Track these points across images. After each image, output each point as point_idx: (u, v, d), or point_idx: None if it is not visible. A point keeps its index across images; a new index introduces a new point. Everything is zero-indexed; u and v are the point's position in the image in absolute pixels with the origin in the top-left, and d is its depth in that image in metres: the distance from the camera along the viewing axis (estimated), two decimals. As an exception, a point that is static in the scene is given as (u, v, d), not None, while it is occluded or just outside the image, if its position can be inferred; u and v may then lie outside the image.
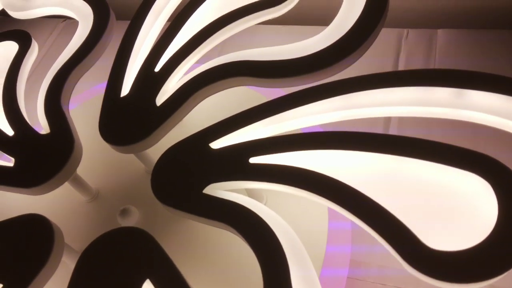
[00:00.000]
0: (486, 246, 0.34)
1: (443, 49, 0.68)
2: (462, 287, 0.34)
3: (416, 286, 0.52)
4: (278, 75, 0.51)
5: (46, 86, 0.60)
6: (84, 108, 0.74)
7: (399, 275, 0.53)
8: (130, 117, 0.54)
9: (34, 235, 0.46)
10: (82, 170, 0.56)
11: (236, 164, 0.46)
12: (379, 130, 0.60)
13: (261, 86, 0.53)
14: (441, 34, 0.69)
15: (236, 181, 0.45)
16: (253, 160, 0.46)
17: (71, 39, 0.86)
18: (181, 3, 0.65)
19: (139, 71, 0.58)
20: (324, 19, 0.79)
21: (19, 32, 0.70)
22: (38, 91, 0.65)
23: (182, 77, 0.57)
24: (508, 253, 0.34)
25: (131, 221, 0.57)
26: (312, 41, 0.53)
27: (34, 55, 0.68)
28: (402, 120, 0.60)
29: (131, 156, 0.58)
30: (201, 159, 0.47)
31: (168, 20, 0.63)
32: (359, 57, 0.51)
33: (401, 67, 0.67)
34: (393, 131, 0.59)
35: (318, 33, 0.77)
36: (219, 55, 0.57)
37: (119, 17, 0.70)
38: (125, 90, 0.57)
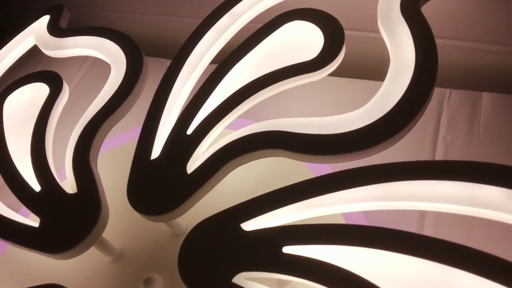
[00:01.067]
0: None
1: (488, 114, 0.64)
2: None
3: None
4: (316, 152, 0.49)
5: (75, 139, 0.59)
6: (109, 157, 0.72)
7: None
8: (160, 184, 0.52)
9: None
10: (106, 228, 0.55)
11: (269, 253, 0.43)
12: (413, 224, 0.57)
13: (297, 160, 0.51)
14: (486, 98, 0.66)
15: (267, 272, 0.43)
16: (287, 249, 0.43)
17: (99, 76, 0.85)
18: (215, 58, 0.63)
19: (170, 132, 0.56)
20: (361, 72, 0.76)
21: (50, 74, 0.69)
22: (62, 131, 0.64)
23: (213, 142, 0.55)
24: None
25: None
26: (353, 116, 0.50)
27: (64, 100, 0.67)
28: (439, 216, 0.56)
29: (157, 217, 0.56)
30: (232, 243, 0.45)
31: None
32: (405, 135, 0.48)
33: (442, 131, 0.64)
34: (428, 227, 0.56)
35: (353, 87, 0.75)
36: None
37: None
38: (156, 151, 0.55)
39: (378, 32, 0.57)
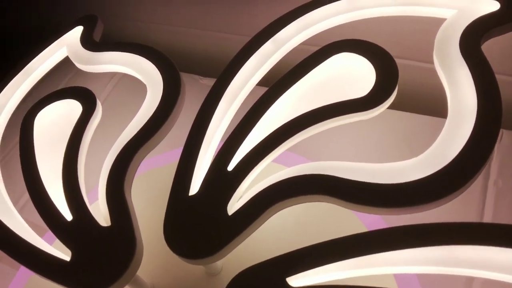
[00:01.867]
0: None
1: (543, 158, 0.60)
2: None
3: None
4: (369, 203, 0.46)
5: (109, 166, 0.56)
6: (140, 182, 0.70)
7: None
8: (199, 225, 0.49)
9: None
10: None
11: (318, 315, 0.40)
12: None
13: (345, 207, 0.48)
14: (541, 140, 0.62)
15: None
16: (337, 312, 0.40)
17: (128, 92, 0.83)
18: (256, 87, 0.60)
19: (210, 167, 0.53)
20: (411, 104, 0.73)
21: (83, 92, 0.67)
22: (89, 149, 0.62)
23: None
24: None
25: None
26: (408, 165, 0.47)
27: (97, 120, 0.65)
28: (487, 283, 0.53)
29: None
30: (277, 300, 0.42)
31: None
32: (465, 191, 0.45)
33: (493, 176, 0.60)
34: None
35: (402, 120, 0.71)
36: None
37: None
38: (194, 187, 0.52)
39: (430, 62, 0.54)
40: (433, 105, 0.67)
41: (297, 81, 0.56)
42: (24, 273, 0.71)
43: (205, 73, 0.86)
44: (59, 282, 0.50)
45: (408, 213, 0.45)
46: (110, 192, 0.54)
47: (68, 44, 0.75)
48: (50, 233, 0.57)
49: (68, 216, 0.54)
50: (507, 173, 0.60)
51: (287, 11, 0.64)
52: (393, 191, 0.45)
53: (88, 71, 0.73)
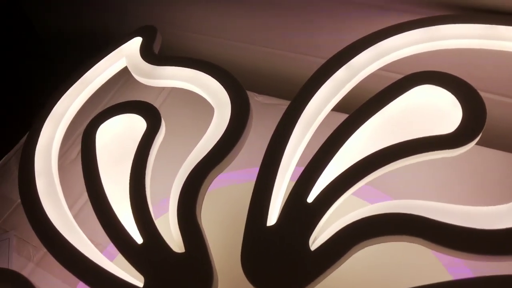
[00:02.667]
0: None
1: None
2: None
3: None
4: (461, 248, 0.44)
5: (179, 189, 0.55)
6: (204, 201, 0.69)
7: None
8: (280, 258, 0.48)
9: None
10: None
11: None
12: None
13: (432, 249, 0.46)
14: None
15: None
16: None
17: (178, 105, 0.81)
18: (330, 113, 0.59)
19: (289, 198, 0.52)
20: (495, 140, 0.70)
21: (147, 106, 0.66)
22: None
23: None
24: None
25: None
26: (504, 210, 0.46)
27: (161, 137, 0.64)
28: None
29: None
30: None
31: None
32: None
33: None
34: None
35: (487, 157, 0.68)
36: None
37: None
38: (272, 217, 0.51)
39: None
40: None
41: (377, 111, 0.55)
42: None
43: (255, 89, 0.85)
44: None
45: (499, 261, 0.44)
46: (182, 216, 0.53)
47: (127, 55, 0.74)
48: (111, 248, 0.56)
49: (138, 239, 0.53)
50: None
51: (349, 35, 0.63)
52: (487, 238, 0.44)
53: (149, 85, 0.71)
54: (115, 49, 0.76)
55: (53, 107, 0.71)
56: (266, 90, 0.86)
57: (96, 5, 1.01)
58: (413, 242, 0.47)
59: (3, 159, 0.87)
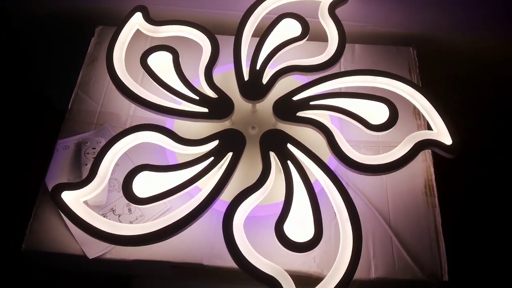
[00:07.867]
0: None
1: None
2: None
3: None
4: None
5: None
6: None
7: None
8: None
9: None
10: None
11: None
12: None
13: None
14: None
15: None
16: None
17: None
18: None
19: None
20: None
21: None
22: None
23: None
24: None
25: None
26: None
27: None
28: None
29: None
30: None
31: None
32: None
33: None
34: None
35: None
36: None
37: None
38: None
39: None
40: None
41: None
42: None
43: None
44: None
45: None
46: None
47: (138, 23, 1.33)
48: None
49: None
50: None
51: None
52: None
53: (155, 36, 1.32)
54: (127, 22, 1.35)
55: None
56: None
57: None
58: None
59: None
